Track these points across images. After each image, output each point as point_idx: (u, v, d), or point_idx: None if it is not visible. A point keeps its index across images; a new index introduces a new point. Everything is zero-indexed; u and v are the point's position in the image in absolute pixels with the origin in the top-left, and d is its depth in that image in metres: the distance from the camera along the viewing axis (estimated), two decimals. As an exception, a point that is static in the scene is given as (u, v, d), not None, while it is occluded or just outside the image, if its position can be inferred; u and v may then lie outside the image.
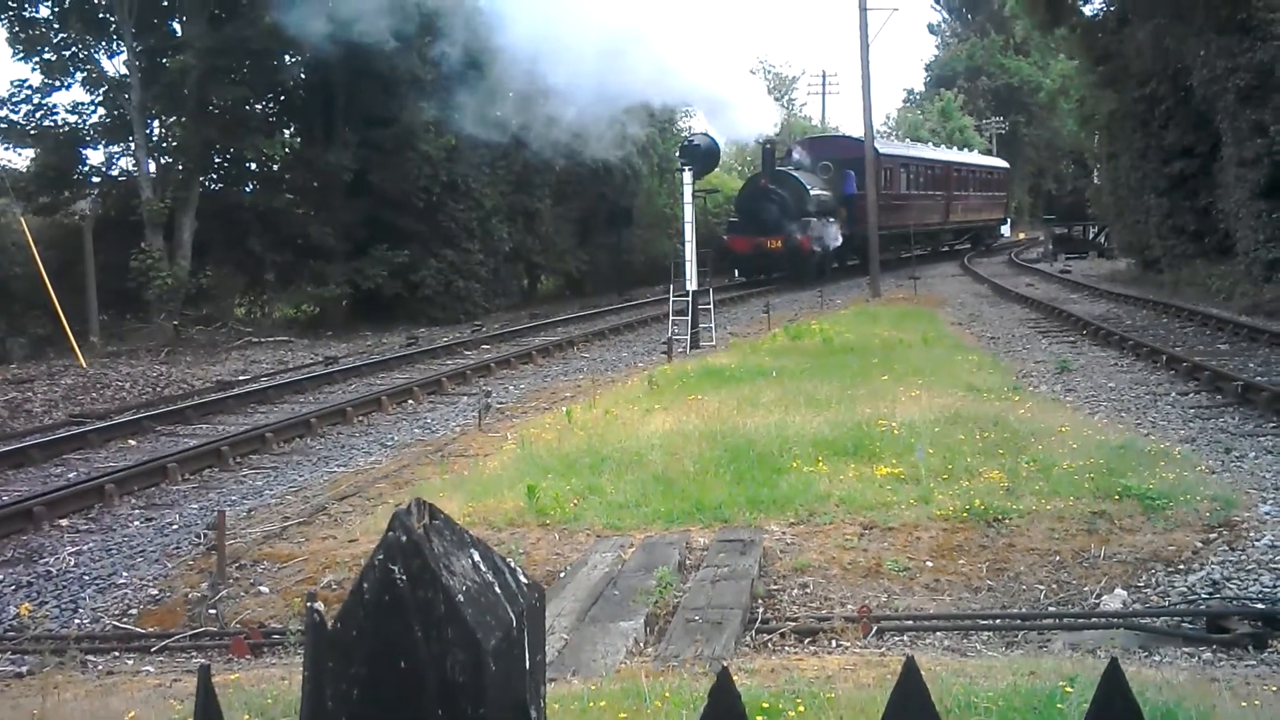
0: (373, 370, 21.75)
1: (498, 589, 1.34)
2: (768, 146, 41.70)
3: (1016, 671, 5.60)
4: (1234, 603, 7.13)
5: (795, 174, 41.26)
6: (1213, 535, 8.19)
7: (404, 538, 1.27)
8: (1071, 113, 49.66)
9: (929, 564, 8.04)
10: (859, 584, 7.83)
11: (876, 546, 8.30)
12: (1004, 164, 66.00)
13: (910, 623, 7.31)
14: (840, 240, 41.87)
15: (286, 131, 33.35)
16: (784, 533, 8.64)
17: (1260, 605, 7.04)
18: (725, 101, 40.02)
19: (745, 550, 8.15)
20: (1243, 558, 7.78)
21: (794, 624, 7.28)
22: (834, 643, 7.03)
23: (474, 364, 21.69)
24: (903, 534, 8.46)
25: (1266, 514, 8.67)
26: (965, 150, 64.13)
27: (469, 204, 33.68)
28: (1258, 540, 8.04)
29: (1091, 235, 54.77)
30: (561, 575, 8.10)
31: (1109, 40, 32.44)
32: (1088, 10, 34.12)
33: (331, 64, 29.88)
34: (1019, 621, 7.28)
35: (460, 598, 1.26)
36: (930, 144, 60.43)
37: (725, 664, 1.34)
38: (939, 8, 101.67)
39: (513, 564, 1.40)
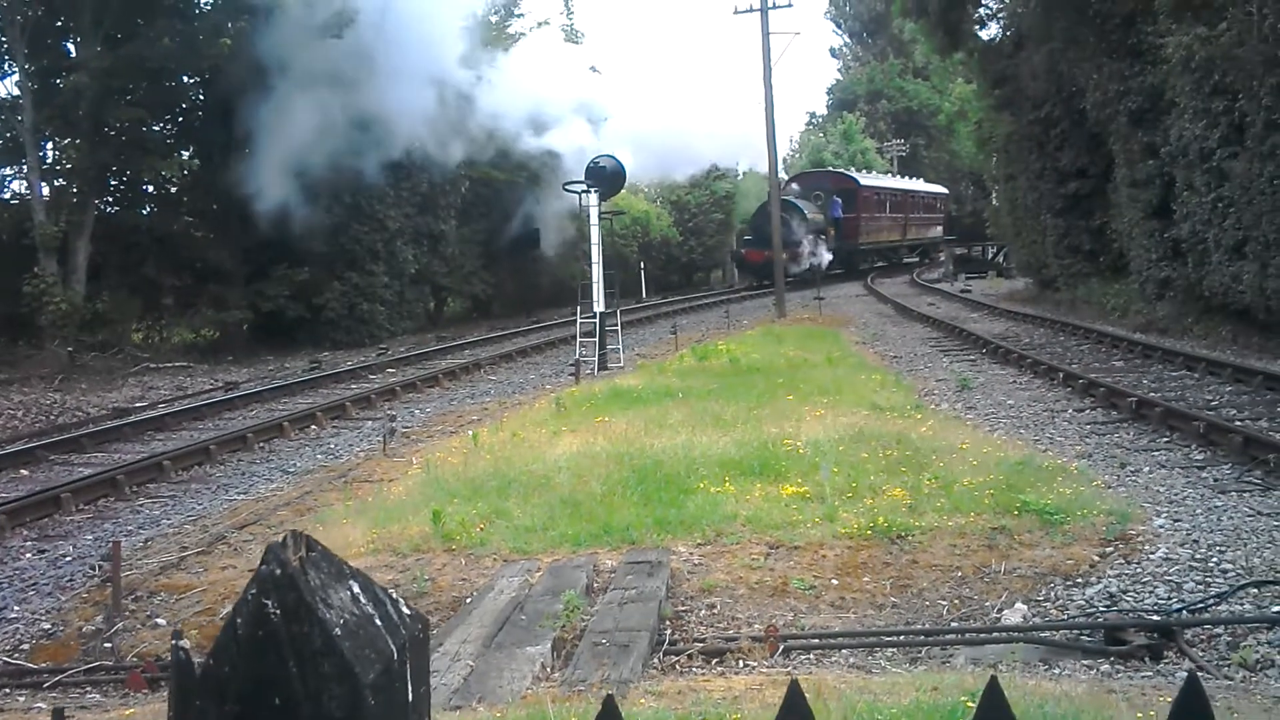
0: (275, 395, 21.41)
1: (378, 621, 1.30)
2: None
3: (920, 687, 5.64)
4: (1130, 615, 7.26)
5: (796, 201, 52.07)
6: (1109, 549, 8.35)
7: (278, 571, 1.23)
8: (970, 135, 51.13)
9: (834, 582, 8.08)
10: (766, 603, 7.84)
11: (783, 565, 8.32)
12: (944, 190, 75.59)
13: (816, 641, 7.34)
14: (830, 255, 53.84)
15: (185, 153, 32.78)
16: (691, 553, 8.63)
17: (1156, 617, 7.19)
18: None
19: (653, 572, 8.13)
20: (1138, 570, 7.94)
21: (701, 645, 7.26)
22: (741, 663, 7.03)
23: (379, 388, 21.45)
24: (808, 553, 8.49)
25: (1160, 527, 8.87)
26: (911, 178, 71.88)
27: (372, 225, 33.40)
28: (1152, 553, 8.21)
29: (990, 255, 56.10)
30: (468, 600, 8.00)
31: (1005, 64, 33.21)
32: (985, 35, 35.01)
33: (231, 84, 29.47)
34: (922, 637, 7.34)
35: (338, 631, 1.22)
36: (890, 174, 71.60)
37: (611, 695, 1.31)
38: (840, 32, 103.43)
39: (395, 595, 1.36)
